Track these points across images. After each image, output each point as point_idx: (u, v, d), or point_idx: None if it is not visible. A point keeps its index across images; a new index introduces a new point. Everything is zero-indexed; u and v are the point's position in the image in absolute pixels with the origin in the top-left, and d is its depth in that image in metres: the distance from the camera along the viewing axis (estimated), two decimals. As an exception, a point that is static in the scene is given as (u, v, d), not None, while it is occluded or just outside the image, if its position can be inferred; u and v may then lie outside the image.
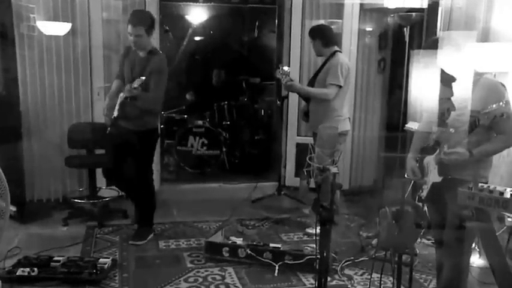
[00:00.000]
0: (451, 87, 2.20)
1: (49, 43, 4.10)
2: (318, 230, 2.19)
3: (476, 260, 3.16)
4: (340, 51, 3.74)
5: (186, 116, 5.81)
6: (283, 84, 3.64)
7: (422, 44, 3.71)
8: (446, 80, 2.18)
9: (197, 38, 7.11)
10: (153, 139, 3.52)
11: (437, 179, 2.31)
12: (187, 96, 6.22)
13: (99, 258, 3.09)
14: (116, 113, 3.29)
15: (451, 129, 2.25)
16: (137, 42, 3.30)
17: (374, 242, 3.42)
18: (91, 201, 4.11)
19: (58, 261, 3.02)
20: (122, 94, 3.30)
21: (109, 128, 3.34)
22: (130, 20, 3.28)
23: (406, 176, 2.45)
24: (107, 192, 4.23)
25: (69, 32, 4.10)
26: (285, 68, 3.63)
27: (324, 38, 3.65)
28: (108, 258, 3.10)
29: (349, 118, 3.81)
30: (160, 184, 4.78)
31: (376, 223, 3.20)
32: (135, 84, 3.18)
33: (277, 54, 5.43)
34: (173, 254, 3.36)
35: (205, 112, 5.78)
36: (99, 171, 3.95)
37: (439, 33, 3.71)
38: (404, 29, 4.20)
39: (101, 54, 4.26)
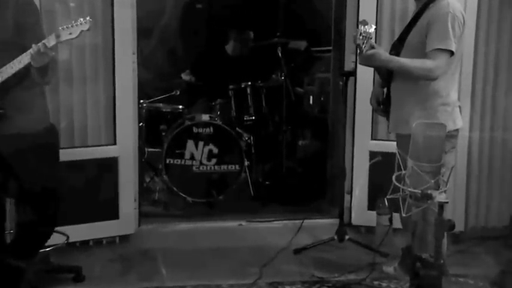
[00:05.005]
0: None
1: None
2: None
3: None
4: None
5: (181, 106, 5.84)
6: (362, 53, 3.56)
7: None
8: None
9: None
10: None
11: None
12: (184, 75, 6.25)
13: None
14: None
15: None
16: None
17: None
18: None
19: None
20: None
21: None
22: None
23: None
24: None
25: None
26: (368, 29, 3.54)
27: None
28: None
29: (460, 107, 3.79)
30: (139, 223, 4.80)
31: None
32: (50, 41, 3.11)
33: (336, 3, 5.40)
34: None
35: (214, 100, 5.81)
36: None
37: None
38: None
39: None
